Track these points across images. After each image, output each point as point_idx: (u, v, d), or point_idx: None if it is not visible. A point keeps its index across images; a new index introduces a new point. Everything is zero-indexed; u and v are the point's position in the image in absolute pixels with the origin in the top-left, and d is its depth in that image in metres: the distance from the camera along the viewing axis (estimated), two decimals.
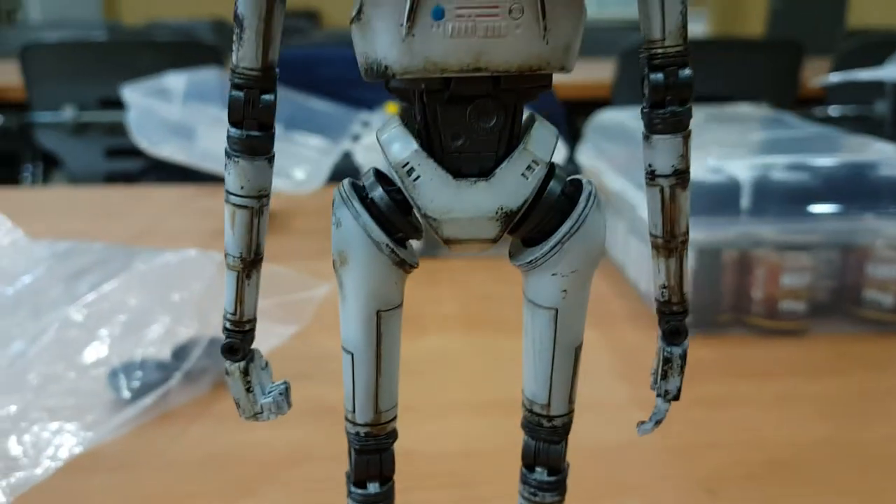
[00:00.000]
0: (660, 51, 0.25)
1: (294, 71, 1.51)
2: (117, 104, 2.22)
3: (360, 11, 0.24)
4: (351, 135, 1.02)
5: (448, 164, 0.26)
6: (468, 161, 0.26)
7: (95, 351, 0.54)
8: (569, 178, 0.28)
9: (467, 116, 0.25)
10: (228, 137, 0.26)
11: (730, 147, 0.74)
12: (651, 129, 0.26)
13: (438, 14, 0.23)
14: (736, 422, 0.54)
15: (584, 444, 0.48)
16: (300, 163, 0.98)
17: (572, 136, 2.64)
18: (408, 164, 0.26)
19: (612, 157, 0.86)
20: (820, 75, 1.82)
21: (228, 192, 0.27)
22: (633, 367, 0.61)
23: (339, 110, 1.13)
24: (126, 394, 0.52)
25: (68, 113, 2.16)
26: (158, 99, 0.91)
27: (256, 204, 0.27)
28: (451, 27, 0.24)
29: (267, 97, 0.26)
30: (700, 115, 0.85)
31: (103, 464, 0.48)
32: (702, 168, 0.66)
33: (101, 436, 0.48)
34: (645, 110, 0.26)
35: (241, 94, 0.26)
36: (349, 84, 1.09)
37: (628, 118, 0.90)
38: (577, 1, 0.24)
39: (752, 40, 2.59)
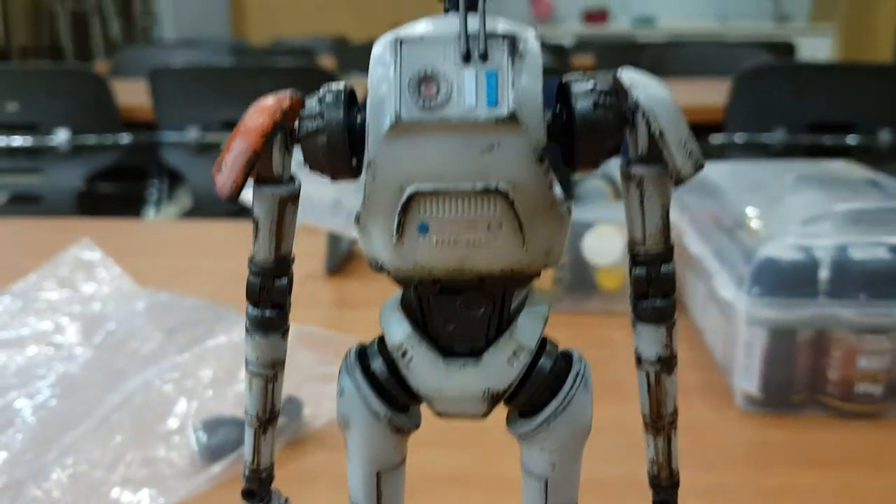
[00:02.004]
0: (642, 250, 0.26)
1: None
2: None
3: (359, 218, 0.26)
4: None
5: (441, 344, 0.28)
6: (460, 342, 0.28)
7: (178, 412, 0.58)
8: (561, 352, 0.29)
9: (457, 306, 0.27)
10: (247, 315, 0.29)
11: (814, 218, 0.72)
12: (637, 317, 0.27)
13: (424, 229, 0.25)
14: None
15: None
16: None
17: None
18: (402, 346, 0.28)
19: (695, 214, 0.85)
20: None
21: (247, 361, 0.30)
22: (699, 448, 0.61)
23: None
24: (204, 453, 0.56)
25: (192, 133, 2.27)
26: None
27: (270, 372, 0.30)
28: (436, 239, 0.26)
29: (280, 282, 0.29)
30: (790, 177, 0.83)
31: None
32: (781, 246, 0.65)
33: (178, 497, 0.52)
34: (631, 300, 0.27)
35: (257, 280, 0.28)
36: None
37: (715, 173, 0.89)
38: (554, 212, 0.26)
39: (874, 65, 2.48)
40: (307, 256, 1.04)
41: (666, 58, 3.22)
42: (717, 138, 2.17)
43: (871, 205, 0.73)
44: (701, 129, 2.33)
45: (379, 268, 0.27)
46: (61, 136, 2.31)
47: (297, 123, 0.27)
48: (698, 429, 0.64)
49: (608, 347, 0.76)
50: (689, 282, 0.84)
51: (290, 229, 0.28)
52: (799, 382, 0.65)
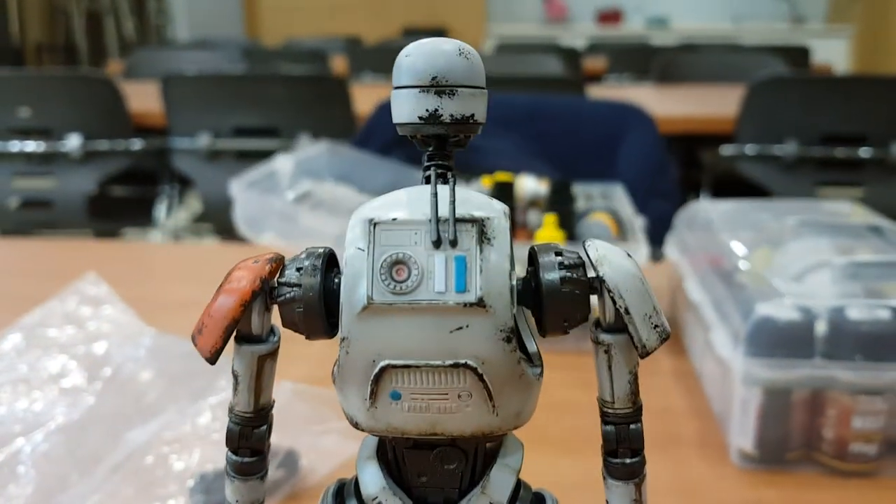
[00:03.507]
0: (611, 410, 0.27)
1: None
2: (249, 133, 2.33)
3: (335, 377, 0.27)
4: None
5: (415, 494, 0.29)
6: (433, 493, 0.29)
7: (175, 472, 0.59)
8: (534, 493, 0.30)
9: (430, 460, 0.28)
10: (227, 461, 0.30)
11: (812, 268, 0.72)
12: (608, 473, 0.28)
13: (396, 396, 0.26)
14: None
15: None
16: None
17: (696, 168, 2.57)
18: (376, 498, 0.28)
19: (695, 257, 0.86)
20: None
21: (227, 502, 0.31)
22: None
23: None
24: None
25: (203, 140, 2.28)
26: (266, 183, 0.97)
27: None
28: (408, 406, 0.26)
29: (259, 430, 0.29)
30: (792, 220, 0.83)
31: None
32: (778, 305, 0.65)
33: None
34: (602, 455, 0.28)
35: (237, 428, 0.29)
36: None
37: (716, 213, 0.89)
38: (524, 380, 0.26)
39: (886, 77, 2.46)
40: None
41: (678, 62, 3.20)
42: (728, 149, 2.17)
43: (870, 258, 0.73)
44: (712, 140, 2.33)
45: (355, 425, 0.28)
46: (74, 142, 2.33)
47: (276, 283, 0.28)
48: (693, 485, 0.64)
49: None
50: (690, 325, 0.84)
51: (269, 382, 0.29)
52: (794, 441, 0.66)
